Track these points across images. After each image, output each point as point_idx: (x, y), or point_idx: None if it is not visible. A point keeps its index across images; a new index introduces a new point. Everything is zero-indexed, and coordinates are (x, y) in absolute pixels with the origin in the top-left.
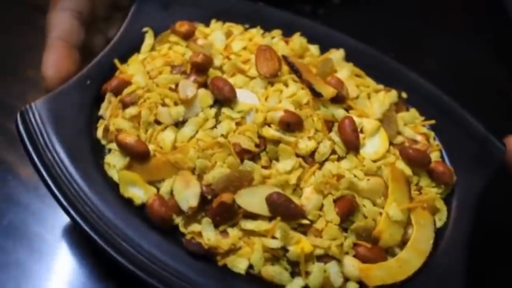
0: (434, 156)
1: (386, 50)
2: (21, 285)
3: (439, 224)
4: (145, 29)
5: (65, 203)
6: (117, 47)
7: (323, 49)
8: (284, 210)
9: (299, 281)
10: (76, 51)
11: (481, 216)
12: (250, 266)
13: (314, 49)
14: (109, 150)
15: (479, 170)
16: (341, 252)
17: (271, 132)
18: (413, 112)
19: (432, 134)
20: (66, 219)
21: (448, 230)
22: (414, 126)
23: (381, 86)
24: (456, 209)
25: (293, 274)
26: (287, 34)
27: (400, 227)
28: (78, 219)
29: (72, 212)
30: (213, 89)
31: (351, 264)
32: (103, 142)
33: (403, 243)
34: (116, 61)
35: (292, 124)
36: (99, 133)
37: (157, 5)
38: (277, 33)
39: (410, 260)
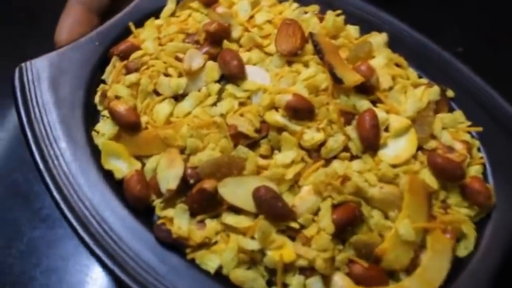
0: (474, 170)
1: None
2: None
3: (464, 253)
4: None
5: (39, 161)
6: (135, 10)
7: (366, 32)
8: (269, 208)
9: None
10: (95, 17)
11: None
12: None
13: (353, 30)
14: (103, 118)
15: None
16: (331, 267)
17: (275, 117)
18: (457, 114)
19: (477, 144)
20: None
21: (473, 262)
22: (455, 132)
23: (423, 80)
24: (488, 239)
25: (270, 284)
26: (326, 11)
27: (410, 249)
28: (49, 181)
29: (45, 174)
30: (220, 62)
31: (340, 283)
32: (99, 108)
33: (412, 268)
34: (131, 24)
35: (300, 111)
36: (96, 98)
37: None
38: (312, 8)
39: None
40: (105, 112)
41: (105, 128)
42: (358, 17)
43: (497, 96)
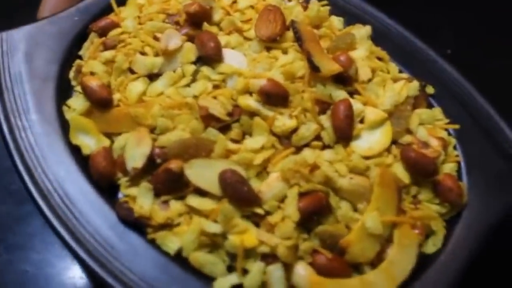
0: (448, 168)
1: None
2: None
3: (431, 249)
4: None
5: (6, 132)
6: None
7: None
8: (234, 191)
9: (232, 278)
10: None
11: (485, 254)
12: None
13: (337, 21)
14: (76, 93)
15: (500, 196)
16: (294, 255)
17: (247, 101)
18: (436, 111)
19: (453, 141)
20: None
21: (440, 260)
22: (432, 128)
23: (404, 75)
24: (457, 237)
25: (231, 270)
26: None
27: (376, 242)
28: (14, 152)
29: (11, 145)
30: (197, 43)
31: (302, 273)
32: (73, 83)
33: (378, 262)
34: (113, 1)
35: (273, 96)
36: (71, 73)
37: None
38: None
39: (376, 284)
40: (79, 88)
41: (76, 103)
42: (344, 9)
43: (478, 96)
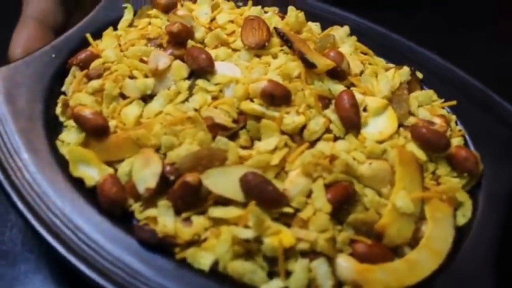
0: (456, 142)
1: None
2: None
3: (462, 221)
4: (125, 4)
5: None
6: (91, 22)
7: (326, 28)
8: (260, 193)
9: (276, 283)
10: (50, 33)
11: None
12: (216, 264)
13: (314, 26)
14: (66, 128)
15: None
16: (333, 249)
17: (251, 105)
18: (429, 92)
19: (453, 117)
20: None
21: (474, 228)
22: (431, 108)
23: (392, 65)
24: (483, 204)
25: (272, 275)
26: (286, 12)
27: (411, 221)
28: (11, 193)
29: (6, 186)
30: (188, 58)
31: (346, 264)
32: (62, 119)
33: (415, 242)
34: (88, 35)
35: (277, 97)
36: (58, 109)
37: None
38: (272, 9)
39: (422, 261)
40: (69, 122)
41: (69, 137)
42: (318, 16)
43: (466, 76)
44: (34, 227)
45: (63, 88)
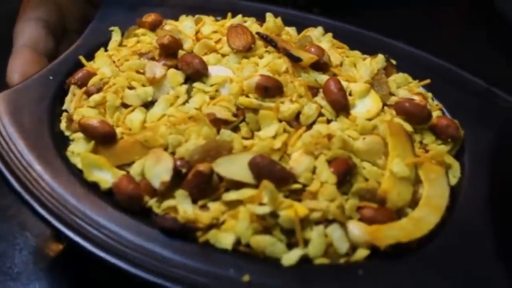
0: (436, 115)
1: None
2: None
3: (453, 181)
4: (112, 27)
5: (16, 185)
6: (83, 45)
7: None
8: (269, 173)
9: (296, 252)
10: (44, 59)
11: (497, 170)
12: (238, 243)
13: (291, 30)
14: (73, 141)
15: (488, 123)
16: (343, 214)
17: (248, 100)
18: (405, 75)
19: (429, 95)
20: None
21: (465, 184)
22: (408, 88)
23: (366, 56)
24: (469, 163)
25: (290, 246)
26: (263, 21)
27: (408, 184)
28: (35, 205)
29: (27, 197)
30: (182, 65)
31: (357, 228)
32: (67, 133)
33: (414, 204)
34: (81, 58)
35: (270, 89)
36: (62, 124)
37: (125, 6)
38: (251, 19)
39: (425, 217)
40: (75, 135)
41: (79, 147)
42: (292, 22)
43: (431, 57)
44: (62, 231)
45: (64, 107)
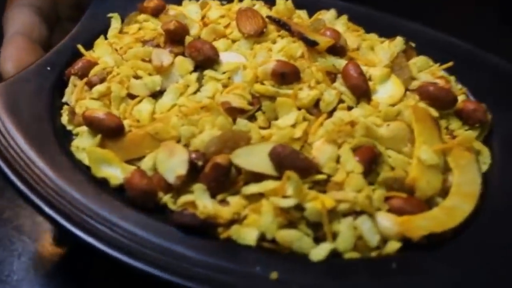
0: (460, 99)
1: None
2: None
3: (484, 168)
4: (110, 14)
5: (19, 184)
6: (80, 33)
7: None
8: (292, 163)
9: (325, 246)
10: (38, 48)
11: None
12: (261, 238)
13: (302, 13)
14: (77, 135)
15: None
16: (371, 206)
17: (264, 87)
18: (425, 58)
19: (452, 78)
20: None
21: (497, 170)
22: (430, 71)
23: (384, 39)
24: (500, 149)
25: (317, 241)
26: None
27: (437, 172)
28: (42, 205)
29: (32, 196)
30: (191, 52)
31: (387, 220)
32: (70, 127)
33: (444, 193)
34: (80, 46)
35: (287, 75)
36: (64, 118)
37: None
38: (259, 2)
39: (458, 206)
40: (78, 129)
41: (84, 142)
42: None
43: (452, 39)
44: (74, 233)
45: (64, 99)
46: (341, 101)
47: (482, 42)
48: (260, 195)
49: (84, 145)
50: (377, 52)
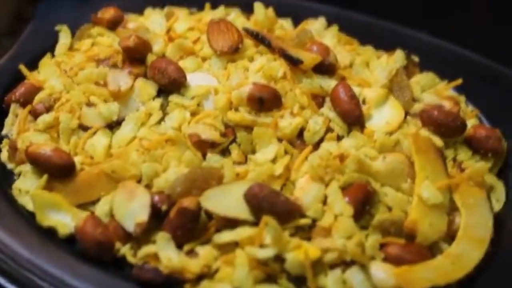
0: (471, 124)
1: None
2: None
3: (497, 206)
4: (58, 27)
5: None
6: (21, 51)
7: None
8: (270, 205)
9: None
10: None
11: None
12: None
13: (285, 22)
14: (19, 175)
15: None
16: (364, 255)
17: (239, 115)
18: (430, 75)
19: (462, 98)
20: None
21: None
22: (436, 91)
23: (381, 52)
24: None
25: None
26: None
27: (442, 212)
28: None
29: None
30: (154, 74)
31: (382, 271)
32: (10, 166)
33: (450, 237)
34: (22, 67)
35: (266, 100)
36: (4, 154)
37: None
38: (235, 11)
39: (465, 252)
40: (20, 168)
41: (27, 183)
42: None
43: (462, 50)
44: None
45: (4, 132)
46: (329, 129)
47: (498, 54)
48: (234, 244)
49: (27, 187)
50: (373, 70)
